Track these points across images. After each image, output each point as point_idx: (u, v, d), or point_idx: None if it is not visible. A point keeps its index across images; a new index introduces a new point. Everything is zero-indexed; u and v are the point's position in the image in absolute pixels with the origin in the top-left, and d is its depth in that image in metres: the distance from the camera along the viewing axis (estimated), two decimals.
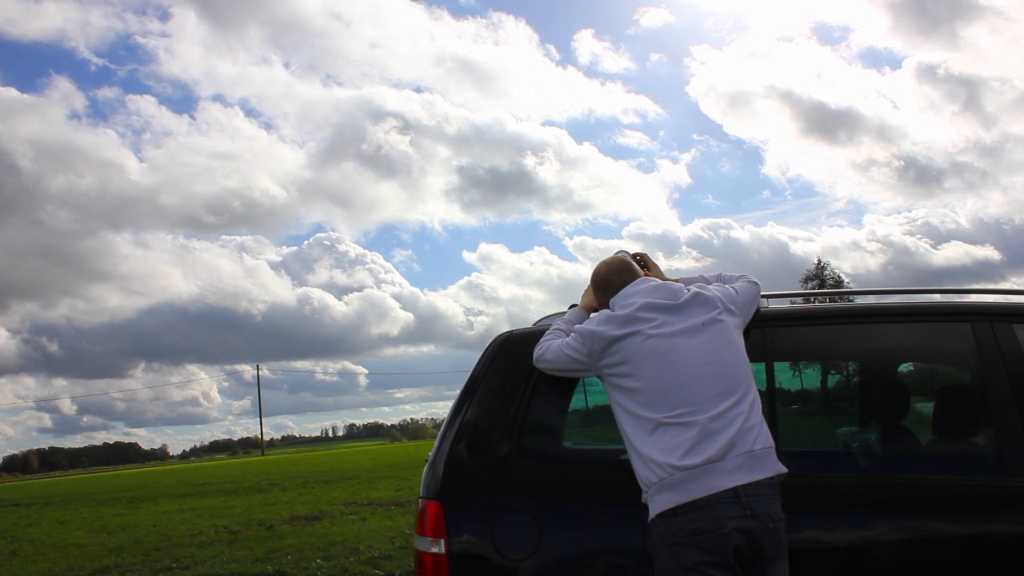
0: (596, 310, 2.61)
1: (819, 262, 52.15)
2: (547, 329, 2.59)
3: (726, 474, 2.14)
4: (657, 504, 2.18)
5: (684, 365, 2.27)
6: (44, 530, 12.82)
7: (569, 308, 2.71)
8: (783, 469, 2.23)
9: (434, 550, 2.40)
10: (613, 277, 2.51)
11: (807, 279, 49.28)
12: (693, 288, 2.44)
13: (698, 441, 2.17)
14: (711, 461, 2.15)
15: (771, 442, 2.25)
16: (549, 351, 2.47)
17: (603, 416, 2.59)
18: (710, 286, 2.50)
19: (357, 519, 10.53)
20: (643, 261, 2.68)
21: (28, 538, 11.66)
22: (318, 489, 16.83)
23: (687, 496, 2.13)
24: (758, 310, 2.59)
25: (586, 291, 2.70)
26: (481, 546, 2.40)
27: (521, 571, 2.36)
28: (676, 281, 2.58)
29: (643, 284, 2.45)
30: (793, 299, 3.52)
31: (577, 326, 2.46)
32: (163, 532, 10.93)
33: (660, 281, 2.48)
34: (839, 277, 49.84)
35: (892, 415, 2.98)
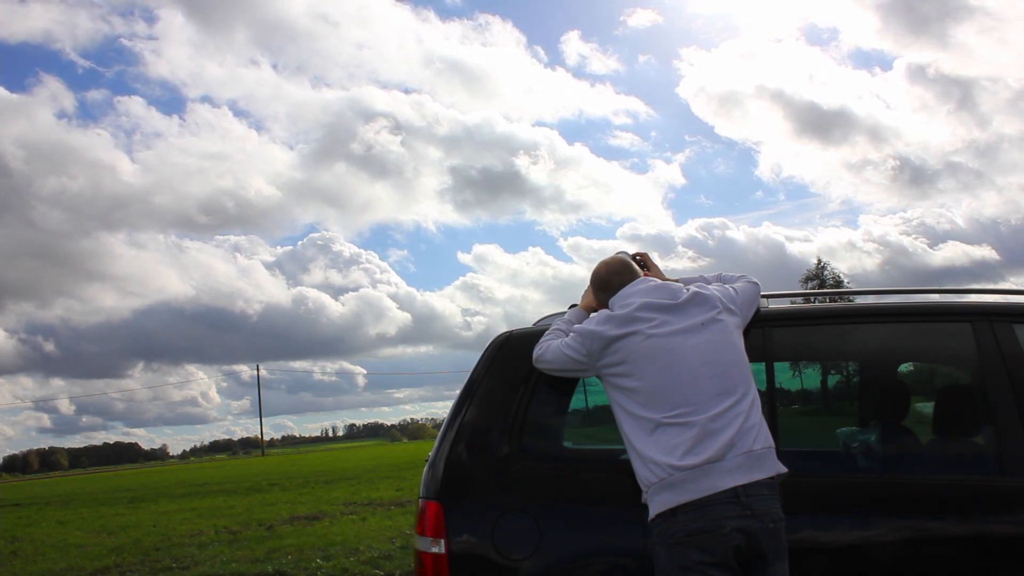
0: (596, 310, 2.61)
1: (819, 262, 52.09)
2: (547, 329, 2.59)
3: (725, 474, 2.15)
4: (657, 504, 2.18)
5: (684, 365, 2.27)
6: (44, 530, 12.81)
7: (569, 308, 2.71)
8: (783, 469, 2.23)
9: (434, 550, 2.40)
10: (612, 277, 2.51)
11: (807, 279, 49.21)
12: (693, 288, 2.44)
13: (698, 441, 2.17)
14: (711, 461, 2.15)
15: (771, 442, 2.25)
16: (548, 351, 2.47)
17: (603, 416, 2.59)
18: (710, 286, 2.50)
19: (357, 519, 10.53)
20: (643, 261, 2.68)
21: (28, 538, 11.65)
22: (318, 489, 16.82)
23: (686, 496, 2.14)
24: (758, 310, 2.59)
25: (586, 291, 2.70)
26: (481, 546, 2.40)
27: (521, 571, 2.36)
28: (676, 281, 2.58)
29: (642, 284, 2.45)
30: (793, 299, 3.53)
31: (576, 326, 2.46)
32: (163, 532, 10.93)
33: (660, 281, 2.48)
34: (839, 277, 49.83)
35: (892, 415, 2.98)
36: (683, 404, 2.22)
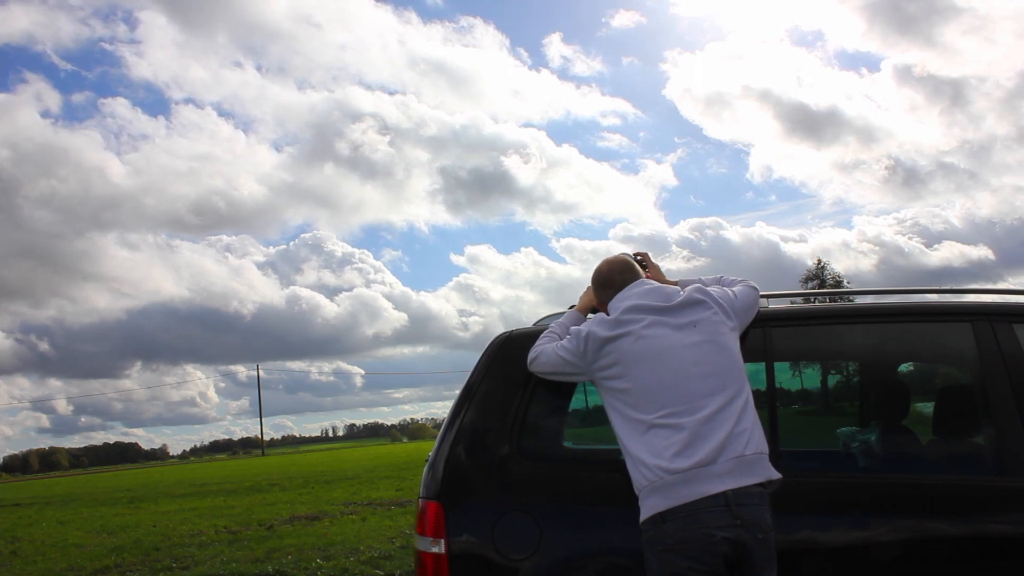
0: (594, 311, 2.61)
1: (819, 262, 52.04)
2: (546, 330, 2.59)
3: (715, 478, 2.13)
4: (646, 508, 2.18)
5: (676, 365, 2.26)
6: (44, 530, 12.81)
7: (568, 309, 2.71)
8: (775, 475, 2.21)
9: (434, 550, 2.40)
10: (615, 276, 2.51)
11: (807, 279, 49.23)
12: (689, 290, 2.44)
13: (688, 444, 2.16)
14: (701, 465, 2.14)
15: (764, 448, 2.23)
16: (543, 354, 2.47)
17: (603, 416, 2.59)
18: (708, 288, 2.49)
19: (357, 519, 10.53)
20: (643, 261, 2.68)
21: (28, 538, 11.66)
22: (318, 489, 16.82)
23: (675, 501, 2.12)
24: (757, 314, 2.58)
25: (584, 293, 2.70)
26: (481, 546, 2.40)
27: (521, 571, 2.36)
28: (674, 283, 2.58)
29: (638, 287, 2.45)
30: (793, 299, 3.53)
31: (572, 327, 2.46)
32: (163, 532, 10.93)
33: (656, 284, 2.48)
34: (839, 277, 49.80)
35: (892, 415, 2.98)
36: (672, 404, 2.21)
